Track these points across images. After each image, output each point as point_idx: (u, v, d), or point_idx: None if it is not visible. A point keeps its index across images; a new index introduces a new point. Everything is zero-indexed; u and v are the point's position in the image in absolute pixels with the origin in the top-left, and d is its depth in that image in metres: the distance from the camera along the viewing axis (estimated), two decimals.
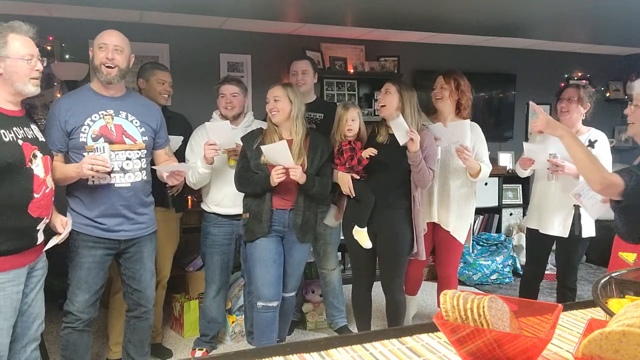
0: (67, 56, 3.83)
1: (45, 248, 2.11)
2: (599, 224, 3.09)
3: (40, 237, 2.05)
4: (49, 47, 3.84)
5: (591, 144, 3.06)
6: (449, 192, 3.10)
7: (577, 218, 3.06)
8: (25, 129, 1.99)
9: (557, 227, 3.09)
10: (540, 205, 3.14)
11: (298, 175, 2.57)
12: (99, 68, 2.30)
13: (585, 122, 3.20)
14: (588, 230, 3.09)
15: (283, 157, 2.56)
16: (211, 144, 2.72)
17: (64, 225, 2.17)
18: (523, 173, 3.22)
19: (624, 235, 2.05)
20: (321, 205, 3.03)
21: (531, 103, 2.32)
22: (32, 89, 1.99)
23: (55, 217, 2.19)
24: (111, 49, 2.29)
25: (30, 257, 2.02)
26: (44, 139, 2.10)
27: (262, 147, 2.59)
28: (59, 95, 3.76)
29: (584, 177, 2.01)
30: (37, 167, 1.98)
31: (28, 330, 2.08)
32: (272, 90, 2.72)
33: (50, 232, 2.15)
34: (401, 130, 2.62)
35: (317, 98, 3.43)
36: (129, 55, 2.37)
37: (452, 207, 3.10)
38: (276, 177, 2.56)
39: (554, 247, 3.28)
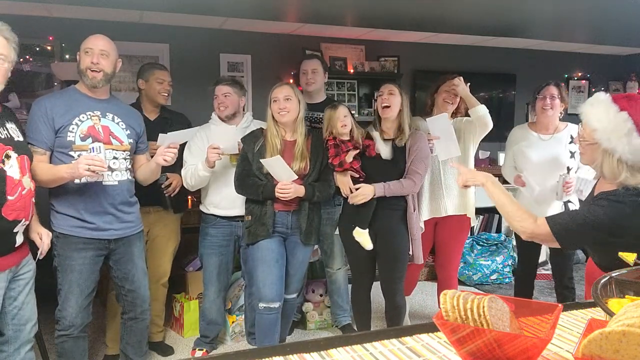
0: (67, 56, 3.83)
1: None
2: None
3: (20, 240, 1.99)
4: (49, 47, 3.85)
5: (573, 140, 3.07)
6: (453, 182, 3.10)
7: None
8: None
9: None
10: (533, 203, 3.12)
11: (291, 195, 2.59)
12: (84, 72, 2.30)
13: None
14: None
15: (282, 171, 2.56)
16: (215, 148, 2.72)
17: (41, 237, 2.12)
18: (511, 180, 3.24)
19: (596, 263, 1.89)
20: (327, 206, 3.04)
21: (453, 163, 2.35)
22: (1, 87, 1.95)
23: (34, 227, 2.13)
24: (97, 53, 2.29)
25: (10, 261, 1.97)
26: (20, 139, 2.03)
27: (262, 161, 2.60)
28: None
29: (509, 223, 1.84)
30: (11, 168, 1.92)
31: (20, 333, 2.06)
32: (281, 89, 2.68)
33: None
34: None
35: (326, 98, 3.41)
36: (115, 60, 2.36)
37: (462, 193, 3.11)
38: (282, 195, 2.58)
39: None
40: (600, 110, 1.64)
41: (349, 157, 2.70)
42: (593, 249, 1.82)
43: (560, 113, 3.12)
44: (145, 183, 2.63)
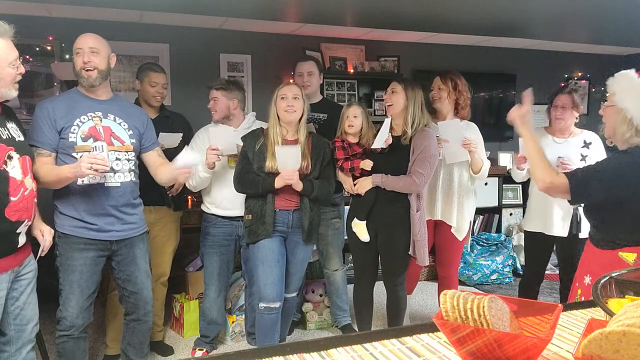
0: (67, 56, 3.83)
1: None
2: None
3: (22, 240, 1.99)
4: (49, 47, 3.85)
5: (586, 144, 3.08)
6: (453, 189, 3.12)
7: (575, 218, 3.06)
8: None
9: (557, 226, 3.09)
10: (542, 206, 3.12)
11: (295, 181, 2.60)
12: (80, 73, 2.30)
13: (588, 121, 3.21)
14: (585, 231, 3.10)
15: (293, 161, 2.57)
16: (213, 149, 2.72)
17: (43, 234, 2.13)
18: (520, 175, 3.22)
19: (597, 242, 2.02)
20: (324, 206, 3.04)
21: (527, 92, 2.22)
22: (15, 93, 1.96)
23: (37, 224, 2.13)
24: (87, 52, 2.28)
25: (13, 261, 1.97)
26: (22, 138, 2.03)
27: (276, 147, 2.59)
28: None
29: (532, 174, 2.06)
30: (13, 168, 1.91)
31: (22, 333, 2.06)
32: (290, 88, 2.68)
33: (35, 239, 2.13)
34: (382, 135, 2.65)
35: (322, 98, 3.42)
36: (107, 55, 2.35)
37: (455, 203, 3.11)
38: (286, 178, 2.57)
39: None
40: (623, 78, 1.92)
41: (364, 165, 2.72)
42: (594, 216, 2.01)
43: (576, 118, 3.12)
44: (166, 185, 2.72)
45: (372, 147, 2.71)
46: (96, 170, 2.08)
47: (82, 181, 2.27)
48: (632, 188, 1.83)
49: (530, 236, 3.27)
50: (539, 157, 2.01)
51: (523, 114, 2.07)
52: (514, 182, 5.13)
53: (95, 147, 2.18)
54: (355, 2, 3.17)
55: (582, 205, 2.09)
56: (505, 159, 5.19)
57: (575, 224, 3.06)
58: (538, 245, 3.23)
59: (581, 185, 1.87)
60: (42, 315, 2.19)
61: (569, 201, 1.98)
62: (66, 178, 2.17)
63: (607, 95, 1.98)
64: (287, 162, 2.58)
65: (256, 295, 2.79)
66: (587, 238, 3.09)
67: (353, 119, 2.79)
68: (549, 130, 3.21)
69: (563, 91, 3.13)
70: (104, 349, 3.10)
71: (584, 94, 3.22)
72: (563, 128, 3.12)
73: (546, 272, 4.37)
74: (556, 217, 3.09)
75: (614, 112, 1.92)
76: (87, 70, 2.29)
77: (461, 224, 3.14)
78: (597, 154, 3.07)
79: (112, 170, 2.32)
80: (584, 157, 3.05)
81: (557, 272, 4.24)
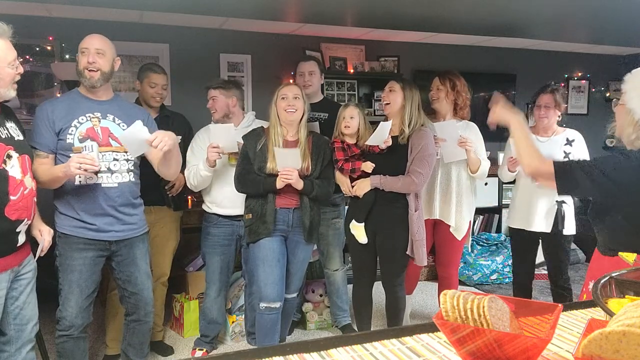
0: (67, 56, 3.84)
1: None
2: None
3: (22, 239, 1.99)
4: (49, 47, 3.85)
5: (569, 142, 3.11)
6: (451, 188, 3.12)
7: (559, 214, 3.07)
8: None
9: (540, 222, 3.11)
10: (525, 202, 3.14)
11: (294, 180, 2.59)
12: (82, 72, 2.30)
13: (588, 121, 3.23)
14: (570, 228, 3.11)
15: (292, 163, 2.57)
16: (214, 147, 2.72)
17: (42, 234, 2.14)
18: (507, 176, 3.23)
19: (600, 247, 2.00)
20: (325, 206, 3.04)
21: (496, 93, 2.25)
22: (13, 93, 1.97)
23: (36, 224, 2.14)
24: (93, 52, 2.28)
25: (13, 261, 1.97)
26: (21, 138, 2.04)
27: (275, 149, 2.59)
28: (59, 95, 3.76)
29: (520, 159, 2.02)
30: (13, 167, 1.92)
31: (22, 333, 2.06)
32: (290, 88, 2.69)
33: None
34: (380, 135, 2.65)
35: (323, 98, 3.43)
36: (112, 58, 2.35)
37: (453, 202, 3.11)
38: (285, 176, 2.57)
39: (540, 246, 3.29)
40: (637, 76, 1.82)
41: (366, 168, 2.72)
42: (596, 221, 1.95)
43: (559, 117, 3.15)
44: (167, 176, 2.56)
45: (367, 142, 2.71)
46: (85, 170, 2.09)
47: (79, 181, 2.28)
48: (626, 189, 1.78)
49: (514, 233, 3.29)
50: (527, 143, 1.96)
51: (504, 106, 2.03)
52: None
53: (85, 146, 2.18)
54: (355, 2, 3.17)
55: (588, 211, 2.04)
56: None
57: (560, 221, 3.07)
58: (523, 242, 3.25)
59: (567, 173, 1.82)
60: (42, 315, 2.20)
61: (558, 192, 1.93)
62: (58, 177, 2.18)
63: (622, 93, 1.91)
64: (287, 164, 2.58)
65: (256, 295, 2.79)
66: (572, 235, 3.14)
67: (349, 119, 2.79)
68: (532, 129, 3.22)
69: (545, 91, 3.15)
70: (104, 349, 3.10)
71: (565, 93, 3.23)
72: (546, 126, 3.15)
73: (545, 271, 4.39)
74: (539, 213, 3.10)
75: (623, 112, 1.85)
76: (90, 71, 2.29)
77: (460, 223, 3.14)
78: (580, 151, 3.10)
79: (109, 170, 2.32)
80: (567, 154, 3.08)
81: None
